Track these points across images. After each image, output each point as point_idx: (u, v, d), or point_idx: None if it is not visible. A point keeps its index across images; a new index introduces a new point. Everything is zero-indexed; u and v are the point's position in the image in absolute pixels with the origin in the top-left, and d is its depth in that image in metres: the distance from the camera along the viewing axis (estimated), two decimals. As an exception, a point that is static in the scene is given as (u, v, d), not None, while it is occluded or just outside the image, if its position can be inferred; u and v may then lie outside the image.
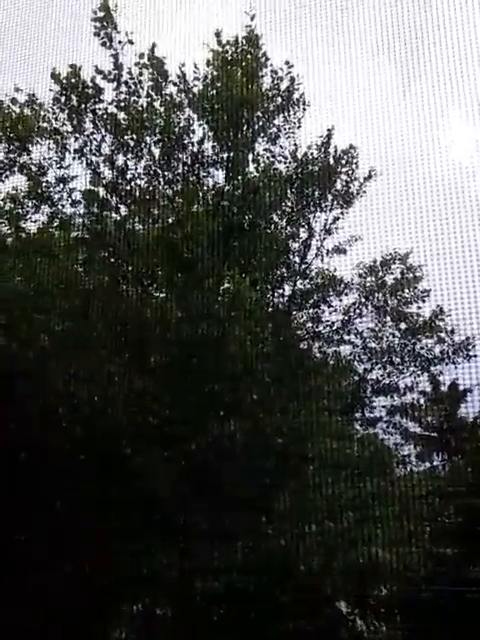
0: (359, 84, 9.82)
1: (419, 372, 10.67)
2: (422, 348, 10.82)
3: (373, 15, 9.54)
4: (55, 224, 10.74)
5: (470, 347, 10.30)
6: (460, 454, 10.46)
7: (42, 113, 10.87)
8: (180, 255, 9.31)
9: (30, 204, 10.94)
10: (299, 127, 11.08)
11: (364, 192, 11.20)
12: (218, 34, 11.07)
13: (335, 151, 11.22)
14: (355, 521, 9.26)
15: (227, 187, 10.60)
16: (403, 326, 11.07)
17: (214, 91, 11.03)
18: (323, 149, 11.29)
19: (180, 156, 10.81)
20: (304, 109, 10.99)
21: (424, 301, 10.98)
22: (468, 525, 9.87)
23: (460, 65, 9.15)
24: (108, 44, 10.43)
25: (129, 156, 10.84)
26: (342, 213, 11.37)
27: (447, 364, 10.48)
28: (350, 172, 11.35)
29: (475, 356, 10.26)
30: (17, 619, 9.04)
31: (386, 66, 9.73)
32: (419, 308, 11.03)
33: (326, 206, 11.35)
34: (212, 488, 9.07)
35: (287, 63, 11.04)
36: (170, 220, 10.25)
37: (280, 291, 11.33)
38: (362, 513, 9.27)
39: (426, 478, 10.03)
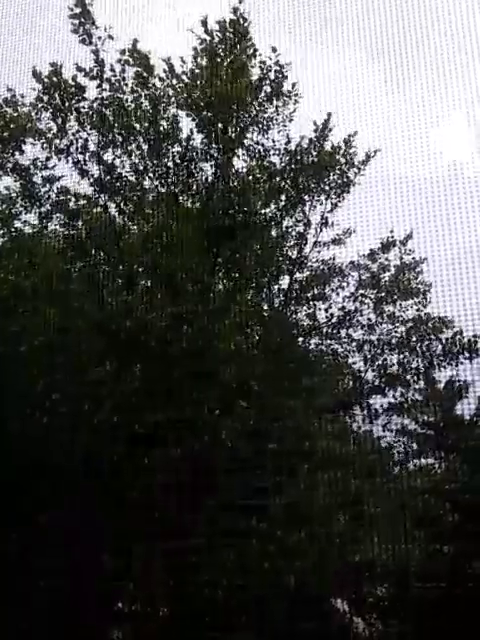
0: (350, 73, 9.57)
1: (417, 371, 10.47)
2: (423, 348, 10.59)
3: (364, 6, 9.24)
4: (43, 225, 10.59)
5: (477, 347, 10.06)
6: (456, 452, 10.34)
7: (25, 110, 10.62)
8: (167, 262, 9.14)
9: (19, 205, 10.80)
10: (291, 120, 10.77)
11: (361, 175, 10.95)
12: (205, 23, 10.73)
13: (332, 148, 10.93)
14: (350, 519, 9.26)
15: (217, 185, 10.37)
16: (402, 325, 10.83)
17: (202, 80, 10.73)
18: (317, 140, 10.99)
19: (168, 153, 10.54)
20: (296, 102, 10.67)
21: (425, 295, 10.75)
22: (464, 522, 9.83)
23: (454, 52, 8.88)
24: (88, 41, 10.10)
25: (118, 152, 10.62)
26: (339, 202, 11.14)
27: (448, 363, 10.25)
28: (345, 161, 11.08)
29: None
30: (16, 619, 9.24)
31: (378, 54, 9.41)
32: (421, 303, 10.80)
33: (321, 192, 11.10)
34: (208, 490, 9.09)
35: (274, 50, 10.66)
36: (158, 220, 10.05)
37: (276, 286, 11.13)
38: (357, 511, 9.25)
39: (422, 476, 9.98)
